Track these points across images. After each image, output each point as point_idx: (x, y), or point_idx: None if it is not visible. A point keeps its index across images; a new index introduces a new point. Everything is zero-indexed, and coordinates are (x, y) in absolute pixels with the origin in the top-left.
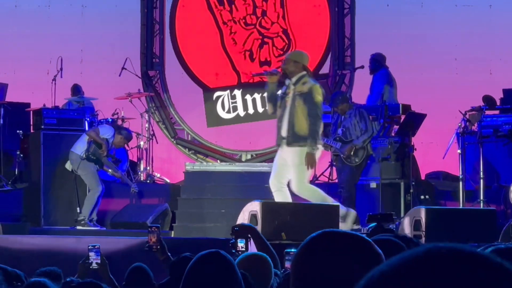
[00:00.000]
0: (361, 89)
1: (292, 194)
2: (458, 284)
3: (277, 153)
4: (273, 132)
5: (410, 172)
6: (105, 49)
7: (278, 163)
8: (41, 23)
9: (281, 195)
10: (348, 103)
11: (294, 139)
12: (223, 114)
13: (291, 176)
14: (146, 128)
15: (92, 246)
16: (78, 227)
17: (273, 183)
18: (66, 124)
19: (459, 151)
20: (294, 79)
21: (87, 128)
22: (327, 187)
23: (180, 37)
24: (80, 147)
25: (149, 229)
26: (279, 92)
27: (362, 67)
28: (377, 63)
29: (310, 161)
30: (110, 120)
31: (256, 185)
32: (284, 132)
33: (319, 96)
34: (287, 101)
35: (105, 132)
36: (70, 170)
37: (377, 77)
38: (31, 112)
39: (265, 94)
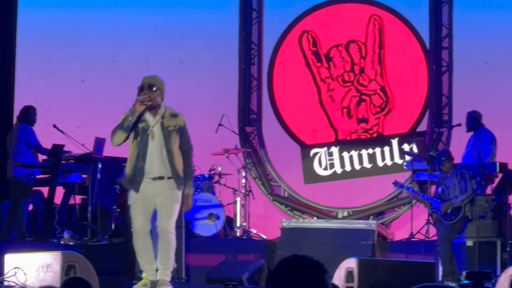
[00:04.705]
0: (458, 147)
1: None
2: None
3: (139, 198)
4: (371, 190)
5: (507, 231)
6: (202, 105)
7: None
8: (139, 78)
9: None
10: (452, 162)
11: (179, 182)
12: (320, 171)
13: (163, 214)
14: (243, 184)
15: None
16: None
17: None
18: None
19: None
20: (161, 111)
21: None
22: (424, 245)
23: (278, 94)
24: None
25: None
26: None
27: (460, 125)
28: (474, 121)
29: (191, 204)
30: (207, 175)
31: (353, 242)
32: (157, 172)
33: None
34: (151, 136)
35: None
36: None
37: (479, 135)
38: None
39: (128, 122)
